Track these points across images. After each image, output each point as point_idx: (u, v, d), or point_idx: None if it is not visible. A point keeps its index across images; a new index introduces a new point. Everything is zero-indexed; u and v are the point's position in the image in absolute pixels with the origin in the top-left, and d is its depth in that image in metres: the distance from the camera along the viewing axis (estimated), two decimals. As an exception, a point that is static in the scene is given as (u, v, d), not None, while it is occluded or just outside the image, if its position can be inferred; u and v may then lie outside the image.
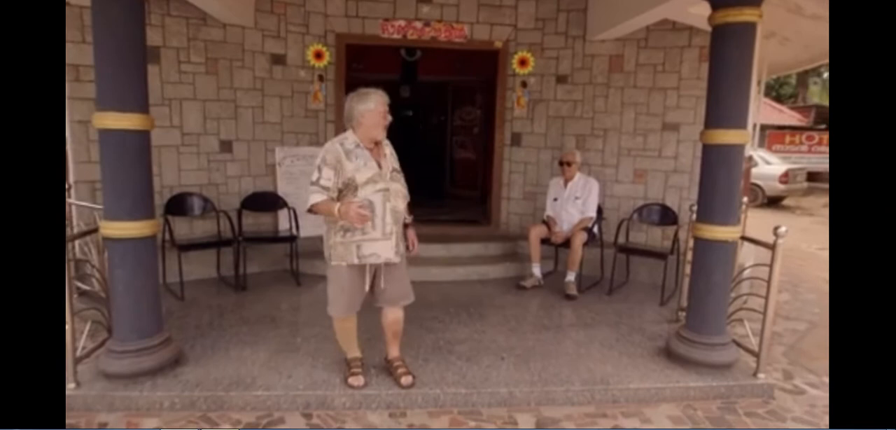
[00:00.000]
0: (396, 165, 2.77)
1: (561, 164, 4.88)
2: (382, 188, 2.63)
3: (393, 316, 2.88)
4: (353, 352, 2.95)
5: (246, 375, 2.96)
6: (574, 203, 4.78)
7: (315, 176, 2.61)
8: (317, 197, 2.59)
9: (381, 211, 2.62)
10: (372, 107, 2.61)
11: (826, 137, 15.32)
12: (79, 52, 4.05)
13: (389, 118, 2.68)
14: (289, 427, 2.67)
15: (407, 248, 2.84)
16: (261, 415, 2.74)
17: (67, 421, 2.56)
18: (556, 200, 4.90)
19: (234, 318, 3.83)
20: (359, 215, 2.50)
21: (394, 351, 2.97)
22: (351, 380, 2.86)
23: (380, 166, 2.66)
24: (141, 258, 2.84)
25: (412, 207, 2.92)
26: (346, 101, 2.71)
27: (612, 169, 5.34)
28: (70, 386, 2.72)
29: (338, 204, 2.55)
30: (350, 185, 2.59)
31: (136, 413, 2.70)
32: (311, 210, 2.63)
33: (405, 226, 2.83)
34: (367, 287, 2.72)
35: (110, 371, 2.82)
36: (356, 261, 2.65)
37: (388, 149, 2.77)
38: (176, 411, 2.73)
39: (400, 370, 2.91)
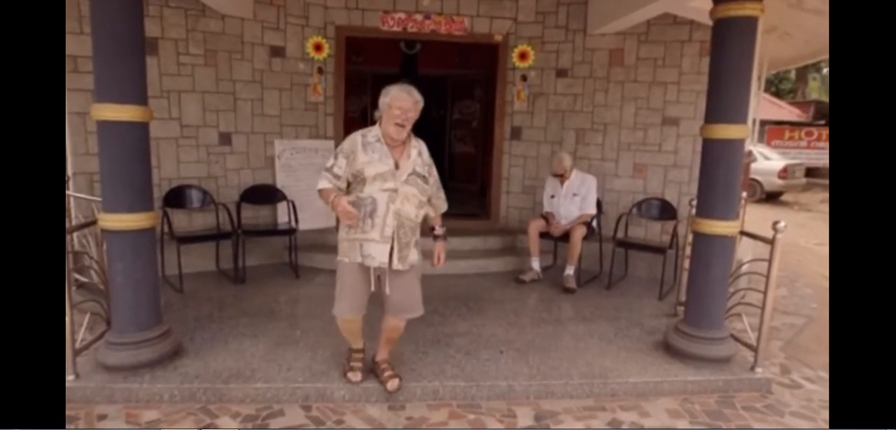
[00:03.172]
0: (422, 169, 2.59)
1: (553, 175, 4.89)
2: (390, 188, 2.50)
3: (393, 322, 2.76)
4: (357, 343, 2.90)
5: (245, 367, 2.97)
6: (572, 200, 4.79)
7: (330, 162, 2.57)
8: (324, 183, 2.55)
9: (383, 211, 2.49)
10: (387, 101, 2.49)
11: (825, 132, 15.34)
12: (77, 43, 4.02)
13: (408, 118, 2.49)
14: (288, 422, 2.67)
15: (433, 261, 2.71)
16: (260, 407, 2.75)
17: (67, 413, 2.56)
18: (553, 197, 4.90)
19: (233, 310, 3.83)
20: (345, 210, 2.41)
21: (382, 354, 2.91)
22: (349, 375, 2.83)
23: (397, 166, 2.52)
24: (140, 251, 2.84)
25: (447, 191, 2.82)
26: None
27: (611, 163, 5.33)
28: (69, 378, 2.72)
29: (334, 194, 2.50)
30: (358, 177, 2.51)
31: (135, 405, 2.71)
32: (320, 194, 2.58)
33: (434, 237, 2.74)
34: (372, 288, 2.61)
35: (109, 363, 2.82)
36: (359, 260, 2.56)
37: (416, 151, 2.60)
38: (175, 403, 2.74)
39: (386, 373, 2.84)
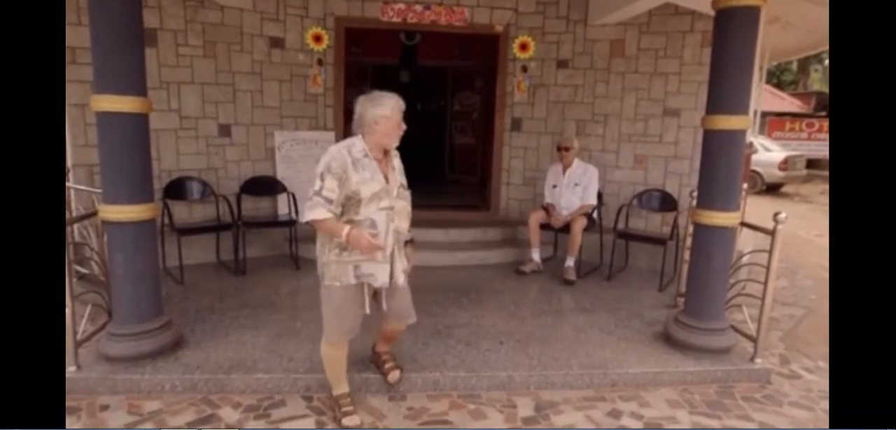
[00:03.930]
0: (403, 179, 2.52)
1: (559, 149, 4.86)
2: (387, 206, 2.37)
3: (394, 326, 2.72)
4: (341, 387, 2.65)
5: (246, 358, 2.98)
6: (573, 190, 4.78)
7: (317, 185, 2.27)
8: (321, 212, 2.26)
9: (383, 231, 2.36)
10: (388, 113, 2.31)
11: (826, 124, 15.27)
12: (75, 34, 4.00)
13: (403, 128, 2.40)
14: (289, 412, 2.68)
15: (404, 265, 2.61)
16: (262, 398, 2.76)
17: (69, 404, 2.58)
18: (555, 186, 4.90)
19: (233, 302, 3.84)
20: (371, 244, 2.25)
21: (383, 347, 2.90)
22: (345, 421, 2.55)
23: (387, 181, 2.39)
24: (140, 242, 2.84)
25: (411, 191, 2.74)
26: (356, 104, 2.38)
27: (612, 155, 5.32)
28: (71, 369, 2.73)
29: (347, 228, 2.27)
30: (353, 199, 2.30)
31: (137, 396, 2.72)
32: (316, 225, 2.32)
33: (405, 242, 2.59)
34: (366, 309, 2.48)
35: (111, 354, 2.83)
36: (353, 281, 2.39)
37: (396, 161, 2.51)
38: (177, 393, 2.75)
39: (387, 365, 2.83)
